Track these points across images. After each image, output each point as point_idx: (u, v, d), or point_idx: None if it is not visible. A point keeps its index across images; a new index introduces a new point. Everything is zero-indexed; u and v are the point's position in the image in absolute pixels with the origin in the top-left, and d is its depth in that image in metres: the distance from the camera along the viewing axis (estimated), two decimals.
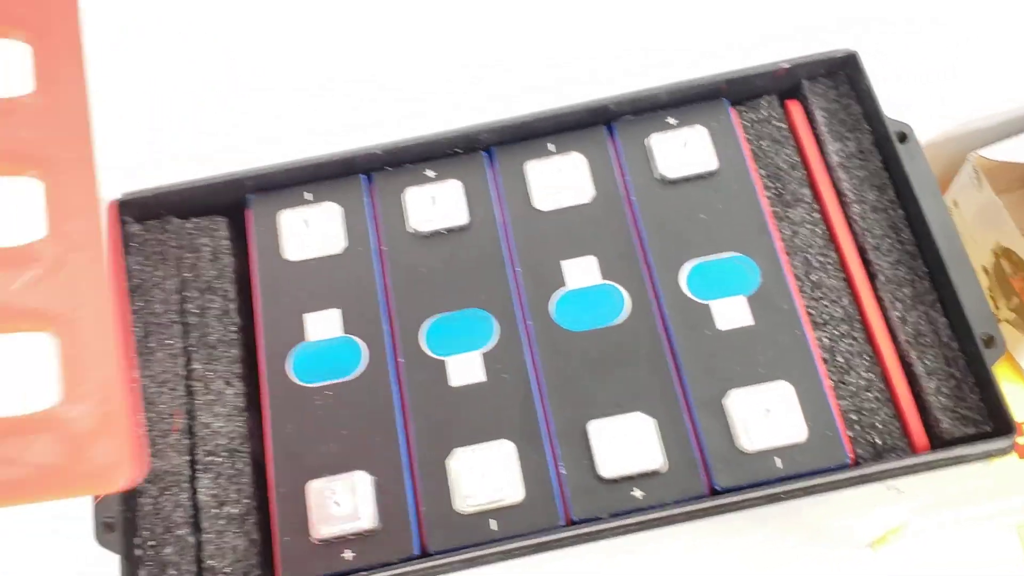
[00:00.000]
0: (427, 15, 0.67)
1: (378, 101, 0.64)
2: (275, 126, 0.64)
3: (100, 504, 0.51)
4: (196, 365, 0.54)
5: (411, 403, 0.52)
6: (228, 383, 0.53)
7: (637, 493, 0.49)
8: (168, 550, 0.50)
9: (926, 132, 0.57)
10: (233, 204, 0.58)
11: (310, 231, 0.56)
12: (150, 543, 0.51)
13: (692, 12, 0.66)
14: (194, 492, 0.52)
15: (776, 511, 0.59)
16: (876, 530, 0.72)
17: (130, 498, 0.51)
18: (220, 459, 0.52)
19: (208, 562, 0.50)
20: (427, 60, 0.65)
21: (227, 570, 0.50)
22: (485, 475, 0.50)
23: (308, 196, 0.57)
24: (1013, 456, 0.76)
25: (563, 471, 0.50)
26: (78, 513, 0.53)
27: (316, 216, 0.57)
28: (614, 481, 0.50)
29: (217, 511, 0.51)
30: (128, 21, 0.68)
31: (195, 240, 0.57)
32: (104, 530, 0.50)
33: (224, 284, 0.56)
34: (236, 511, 0.51)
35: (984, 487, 0.72)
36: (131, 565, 0.50)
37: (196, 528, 0.51)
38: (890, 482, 0.59)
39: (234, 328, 0.55)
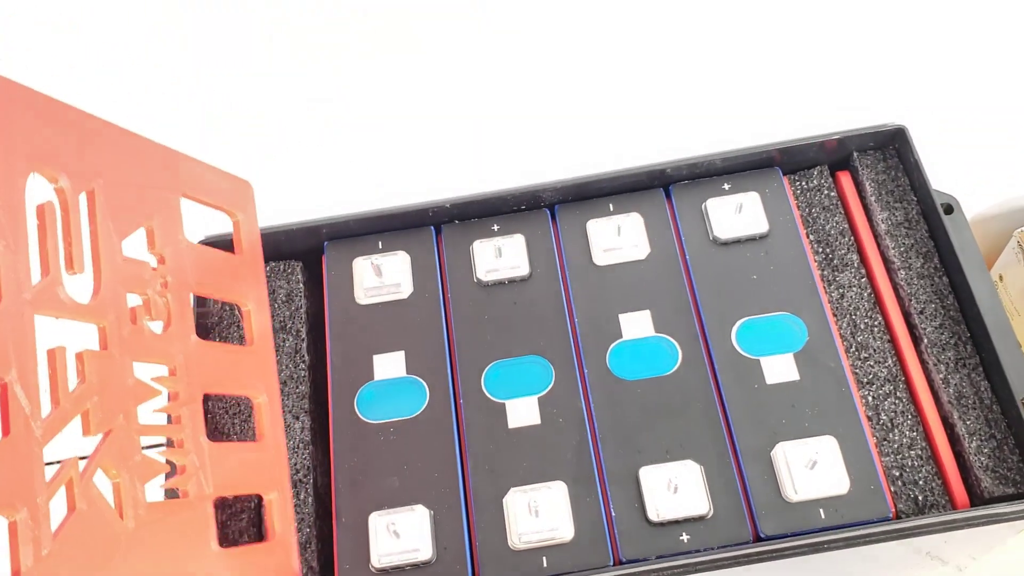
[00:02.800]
0: (497, 79, 0.71)
1: (449, 159, 0.68)
2: (351, 178, 0.68)
3: None
4: None
5: (470, 442, 0.55)
6: (296, 417, 0.57)
7: (684, 537, 0.51)
8: None
9: (973, 207, 0.59)
10: (308, 250, 0.62)
11: (381, 278, 0.60)
12: None
13: (749, 84, 0.69)
14: (260, 525, 0.54)
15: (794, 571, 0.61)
16: None
17: None
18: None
19: None
20: (495, 121, 0.69)
21: None
22: (538, 514, 0.52)
23: (380, 244, 0.61)
24: None
25: (613, 513, 0.52)
26: None
27: (387, 264, 0.60)
28: (662, 525, 0.52)
29: None
30: (217, 68, 0.73)
31: (272, 282, 0.60)
32: None
33: (297, 324, 0.59)
34: (299, 539, 0.53)
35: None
36: None
37: None
38: (931, 550, 0.60)
39: (304, 366, 0.58)
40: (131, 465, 0.44)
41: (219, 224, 0.58)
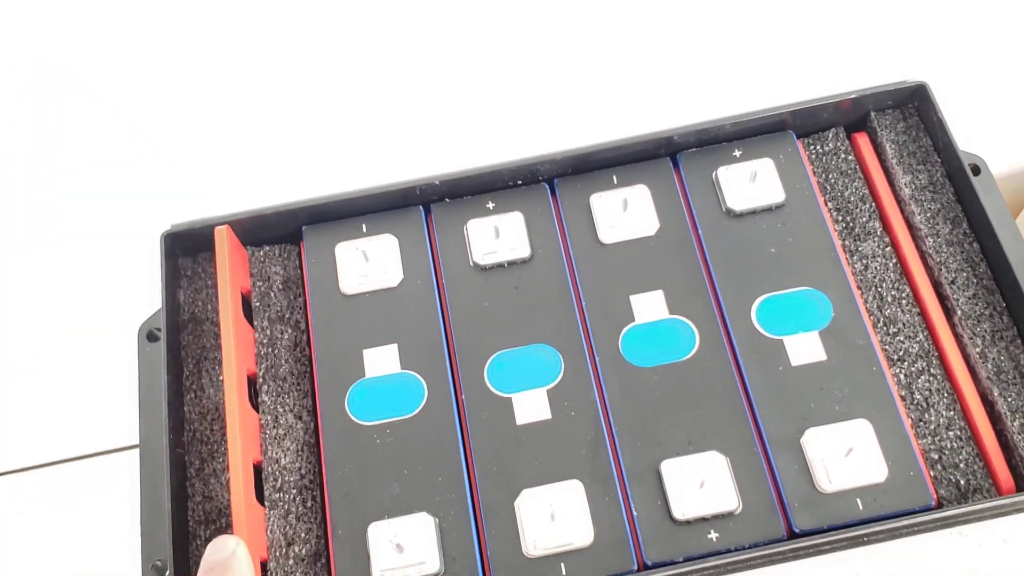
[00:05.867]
0: (485, 44, 0.66)
1: (436, 132, 0.63)
2: (329, 157, 0.62)
3: (148, 545, 0.49)
4: (265, 398, 0.52)
5: (475, 442, 0.50)
6: (299, 417, 0.52)
7: (713, 536, 0.47)
8: None
9: (996, 167, 0.55)
10: (286, 236, 0.57)
11: (367, 264, 0.55)
12: None
13: (757, 43, 0.65)
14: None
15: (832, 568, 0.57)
16: None
17: (180, 539, 0.49)
18: (290, 496, 0.50)
19: None
20: (485, 90, 0.64)
21: None
22: (554, 517, 0.48)
23: (364, 227, 0.56)
24: None
25: (635, 513, 0.48)
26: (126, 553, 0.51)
27: (373, 248, 0.55)
28: (688, 523, 0.48)
29: (285, 551, 0.49)
30: (182, 47, 0.68)
31: (267, 268, 0.55)
32: (153, 573, 0.49)
33: (296, 315, 0.54)
34: (305, 551, 0.49)
35: None
36: None
37: None
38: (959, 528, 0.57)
39: (306, 361, 0.53)
40: None
41: None
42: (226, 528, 0.49)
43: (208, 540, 0.49)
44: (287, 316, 0.55)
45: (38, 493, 0.56)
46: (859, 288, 0.53)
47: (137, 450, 0.52)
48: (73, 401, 0.58)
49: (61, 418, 0.57)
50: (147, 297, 0.57)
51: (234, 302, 0.52)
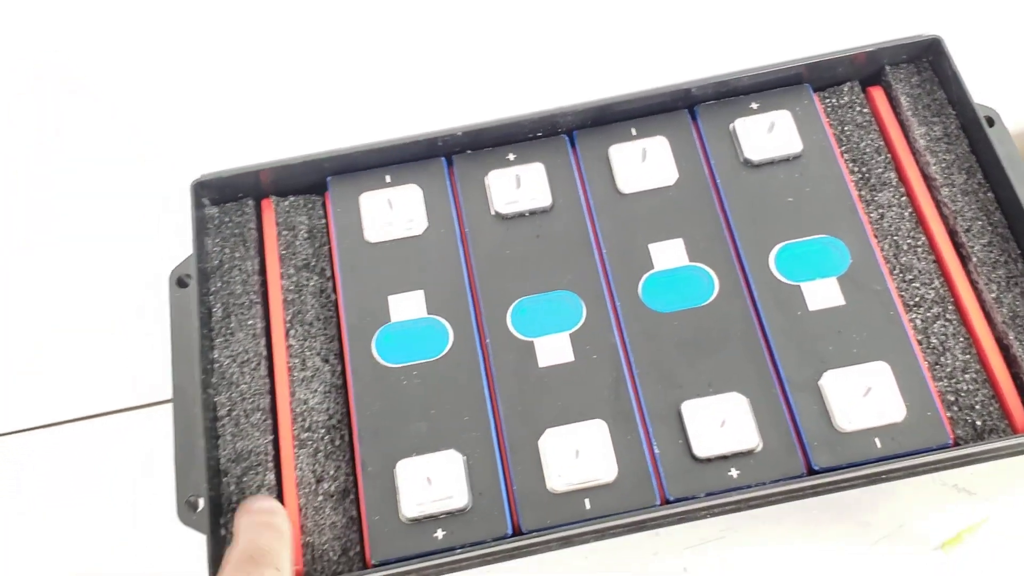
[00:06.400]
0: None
1: (457, 84, 0.64)
2: (352, 110, 0.63)
3: (182, 483, 0.50)
4: (293, 342, 0.53)
5: (499, 383, 0.51)
6: (325, 360, 0.53)
7: (733, 473, 0.48)
8: None
9: (1009, 119, 0.56)
10: (310, 187, 0.58)
11: (391, 213, 0.56)
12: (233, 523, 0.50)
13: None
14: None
15: (835, 513, 0.58)
16: (948, 530, 0.71)
17: (213, 477, 0.50)
18: (319, 435, 0.51)
19: (306, 538, 0.49)
20: (505, 42, 0.65)
21: (325, 546, 0.49)
22: (578, 454, 0.49)
23: (388, 178, 0.57)
24: None
25: (657, 451, 0.49)
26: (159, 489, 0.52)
27: (397, 198, 0.56)
28: (709, 460, 0.49)
29: (315, 487, 0.50)
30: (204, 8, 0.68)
31: (292, 218, 0.56)
32: (187, 508, 0.50)
33: (321, 263, 0.55)
34: (334, 487, 0.50)
35: None
36: (215, 544, 0.49)
37: None
38: (958, 482, 0.58)
39: (331, 306, 0.54)
40: None
41: None
42: (257, 466, 0.50)
43: (239, 478, 0.50)
44: (312, 264, 0.56)
45: (79, 446, 0.57)
46: (876, 236, 0.54)
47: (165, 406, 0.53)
48: (106, 357, 0.59)
49: (94, 374, 0.59)
50: (170, 251, 0.58)
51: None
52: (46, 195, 0.66)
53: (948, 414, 0.50)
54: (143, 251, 0.62)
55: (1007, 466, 0.55)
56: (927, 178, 0.56)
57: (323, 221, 0.57)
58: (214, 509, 0.49)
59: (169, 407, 0.52)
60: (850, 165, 0.57)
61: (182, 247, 0.55)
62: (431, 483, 0.48)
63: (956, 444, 0.49)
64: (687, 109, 0.58)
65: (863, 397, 0.49)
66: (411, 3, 0.67)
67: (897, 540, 0.68)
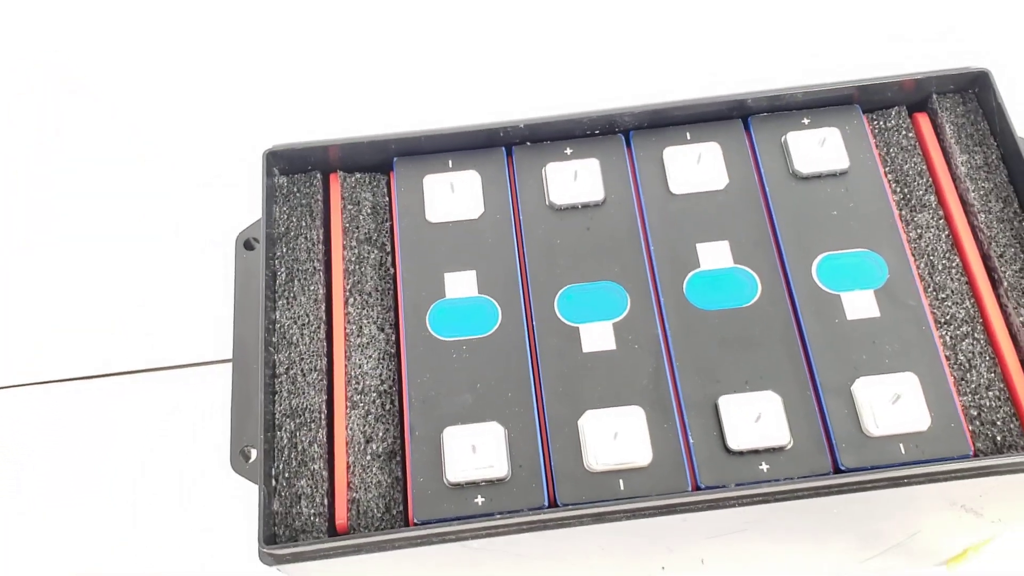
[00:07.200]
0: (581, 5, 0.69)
1: (522, 80, 0.66)
2: (423, 96, 0.66)
3: (237, 434, 0.53)
4: (351, 310, 0.56)
5: (544, 364, 0.54)
6: (381, 329, 0.56)
7: (764, 467, 0.51)
8: (302, 483, 0.52)
9: None
10: (376, 166, 0.61)
11: (452, 196, 0.59)
12: (284, 475, 0.52)
13: (829, 20, 0.68)
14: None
15: (864, 530, 0.60)
16: (954, 547, 0.73)
17: (268, 430, 0.53)
18: (370, 398, 0.53)
19: (352, 495, 0.51)
20: (572, 43, 0.68)
21: (370, 503, 0.51)
22: (616, 436, 0.51)
23: (450, 163, 0.60)
24: None
25: (691, 440, 0.52)
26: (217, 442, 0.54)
27: (458, 182, 0.59)
28: (741, 453, 0.51)
29: (364, 447, 0.52)
30: None
31: (357, 193, 0.59)
32: (241, 458, 0.52)
33: (382, 238, 0.58)
34: (382, 448, 0.52)
35: None
36: (267, 493, 0.51)
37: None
38: (966, 503, 0.60)
39: (389, 279, 0.57)
40: None
41: None
42: (310, 422, 0.53)
43: (293, 432, 0.53)
44: (374, 238, 0.58)
45: (138, 395, 0.60)
46: (913, 255, 0.57)
47: (224, 365, 0.55)
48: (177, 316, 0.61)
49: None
50: (237, 217, 0.60)
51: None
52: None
53: (970, 427, 0.52)
54: (210, 217, 0.64)
55: (1017, 492, 0.58)
56: (965, 203, 0.58)
57: (387, 199, 0.60)
58: (267, 460, 0.52)
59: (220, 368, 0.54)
60: (893, 185, 0.59)
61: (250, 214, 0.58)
62: (475, 451, 0.51)
63: (976, 455, 0.51)
64: (741, 119, 0.61)
65: (891, 404, 0.51)
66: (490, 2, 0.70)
67: (903, 551, 0.71)
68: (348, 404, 0.54)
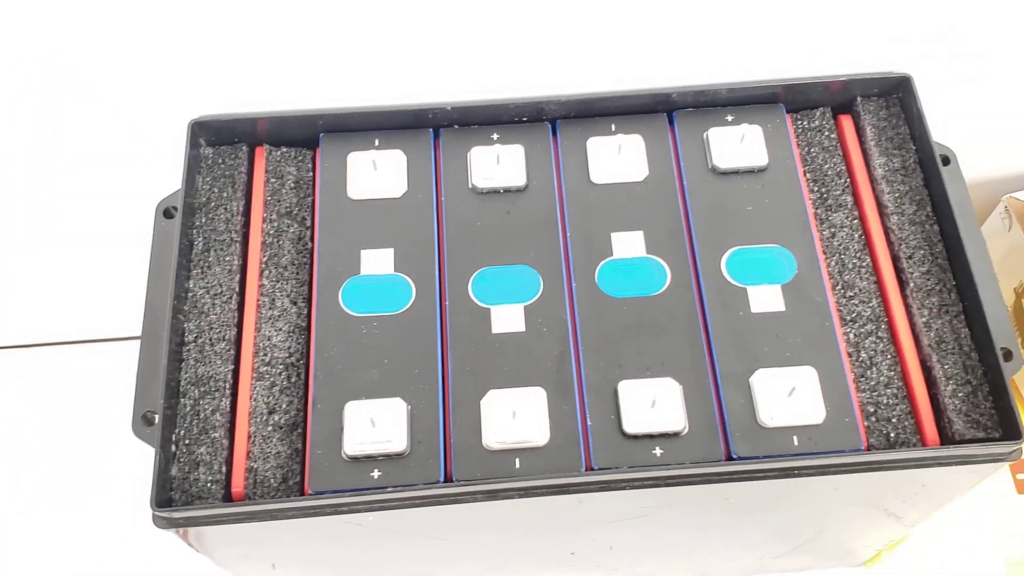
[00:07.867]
0: None
1: (451, 63, 0.67)
2: (352, 73, 0.66)
3: (141, 398, 0.53)
4: (265, 282, 0.56)
5: (452, 343, 0.55)
6: (294, 302, 0.56)
7: (657, 451, 0.52)
8: (202, 450, 0.53)
9: (965, 170, 0.59)
10: (302, 141, 0.61)
11: (375, 174, 0.59)
12: (185, 441, 0.53)
13: (760, 22, 0.69)
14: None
15: (768, 524, 0.61)
16: (871, 547, 0.74)
17: (171, 396, 0.53)
18: (277, 370, 0.54)
19: (250, 464, 0.52)
20: (502, 30, 0.68)
21: (268, 473, 0.52)
22: (515, 415, 0.52)
23: (376, 142, 0.60)
24: (1012, 489, 0.78)
25: (589, 422, 0.52)
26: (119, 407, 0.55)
27: (382, 160, 0.60)
28: (636, 437, 0.52)
29: (266, 418, 0.53)
30: None
31: (281, 167, 0.60)
32: (142, 423, 0.53)
33: (303, 212, 0.59)
34: (284, 420, 0.53)
35: (977, 517, 0.74)
36: (164, 458, 0.52)
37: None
38: (889, 506, 0.61)
39: (306, 253, 0.57)
40: None
41: None
42: (214, 391, 0.53)
43: (197, 400, 0.53)
44: (295, 212, 0.59)
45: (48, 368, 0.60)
46: (824, 253, 0.58)
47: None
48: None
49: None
50: (161, 186, 0.60)
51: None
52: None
53: (865, 423, 0.53)
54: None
55: (935, 491, 0.58)
56: (880, 205, 0.59)
57: (310, 174, 0.60)
58: (167, 425, 0.52)
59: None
60: (811, 184, 0.60)
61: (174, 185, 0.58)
62: (374, 425, 0.52)
63: (868, 450, 0.52)
64: (666, 113, 0.61)
65: (787, 397, 0.52)
66: None
67: (815, 549, 0.72)
68: (254, 375, 0.54)
